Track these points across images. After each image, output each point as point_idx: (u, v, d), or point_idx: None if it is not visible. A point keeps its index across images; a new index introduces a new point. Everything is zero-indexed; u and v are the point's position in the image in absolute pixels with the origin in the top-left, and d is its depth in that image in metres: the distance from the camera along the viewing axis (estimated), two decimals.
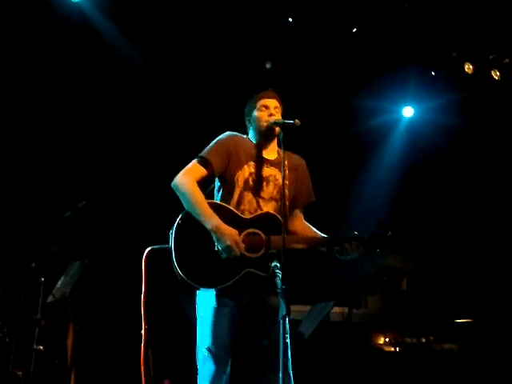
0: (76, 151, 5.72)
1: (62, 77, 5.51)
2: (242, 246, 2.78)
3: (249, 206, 2.92)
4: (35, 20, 5.15)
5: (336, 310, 5.56)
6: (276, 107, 3.03)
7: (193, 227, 2.81)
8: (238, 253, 2.75)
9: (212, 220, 2.78)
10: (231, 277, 2.78)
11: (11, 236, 5.21)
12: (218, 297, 2.84)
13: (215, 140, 3.01)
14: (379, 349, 5.80)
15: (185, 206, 2.85)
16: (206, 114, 5.86)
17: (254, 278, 2.81)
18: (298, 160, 3.14)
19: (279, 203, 2.97)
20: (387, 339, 5.85)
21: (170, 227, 2.85)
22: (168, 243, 2.83)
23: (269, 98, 3.06)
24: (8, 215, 5.31)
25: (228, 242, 2.74)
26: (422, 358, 5.52)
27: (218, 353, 2.81)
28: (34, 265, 4.54)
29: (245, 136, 3.10)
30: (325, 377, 5.00)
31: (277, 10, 5.60)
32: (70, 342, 4.86)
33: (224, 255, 2.76)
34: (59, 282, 4.93)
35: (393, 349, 5.77)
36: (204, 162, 2.92)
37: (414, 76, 6.33)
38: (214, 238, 2.77)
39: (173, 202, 2.95)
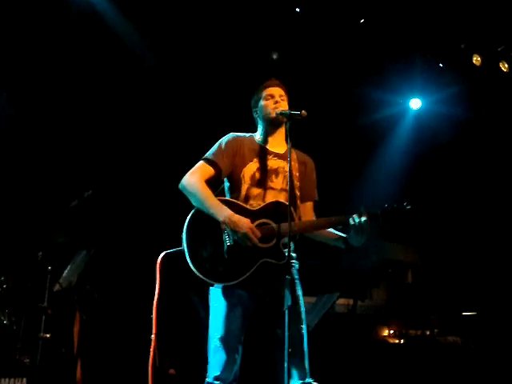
0: (82, 141, 5.73)
1: (69, 67, 5.50)
2: (258, 232, 2.78)
3: (257, 200, 2.93)
4: (42, 9, 5.13)
5: (341, 301, 5.58)
6: (281, 95, 3.05)
7: (203, 225, 2.81)
8: (255, 239, 2.76)
9: (223, 211, 2.79)
10: (247, 269, 2.78)
11: (19, 226, 5.23)
12: (232, 288, 2.84)
13: (219, 142, 3.03)
14: (383, 341, 5.82)
15: (194, 204, 2.86)
16: (214, 112, 5.84)
17: (269, 267, 2.81)
18: (307, 158, 3.17)
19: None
20: (391, 331, 5.87)
21: (174, 218, 2.86)
22: (178, 244, 2.84)
23: (273, 86, 3.08)
24: (16, 205, 5.33)
25: (243, 230, 2.74)
26: (426, 350, 5.53)
27: (229, 343, 2.82)
28: (40, 254, 4.58)
29: (248, 135, 3.11)
30: (329, 368, 5.01)
31: (284, 1, 5.57)
32: (76, 330, 4.89)
33: (242, 244, 2.76)
34: (66, 271, 4.96)
35: (397, 341, 5.79)
36: (210, 163, 2.95)
37: (421, 68, 6.29)
38: (228, 229, 2.76)
39: (176, 193, 2.95)
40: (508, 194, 6.52)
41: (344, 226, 2.88)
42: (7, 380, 4.03)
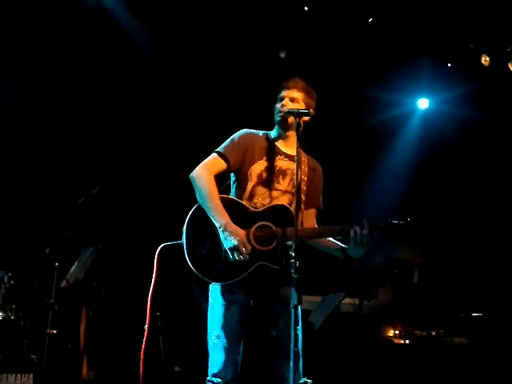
0: (90, 138, 5.75)
1: (75, 63, 5.52)
2: (249, 248, 2.75)
3: (262, 199, 2.93)
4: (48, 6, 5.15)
5: (347, 301, 5.56)
6: (293, 98, 3.01)
7: (204, 222, 2.81)
8: (244, 256, 2.72)
9: (222, 218, 2.78)
10: (243, 270, 2.78)
11: (26, 222, 5.26)
12: (229, 287, 2.86)
13: (232, 137, 3.03)
14: (389, 341, 5.79)
15: (198, 199, 2.86)
16: (218, 104, 5.86)
17: (266, 270, 2.81)
18: (317, 165, 3.16)
19: (294, 197, 2.94)
20: (397, 331, 5.84)
21: (181, 215, 2.87)
22: (180, 237, 2.84)
23: (288, 88, 3.05)
24: (23, 202, 5.36)
25: (235, 243, 2.71)
26: (432, 351, 5.52)
27: (227, 341, 2.83)
28: (48, 250, 4.60)
29: (261, 133, 3.10)
30: (334, 368, 5.01)
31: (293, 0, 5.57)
32: (82, 326, 4.91)
33: (230, 256, 2.73)
34: (73, 268, 4.99)
35: (402, 341, 5.76)
36: (222, 157, 2.94)
37: (429, 68, 6.27)
38: (221, 237, 2.75)
39: (184, 188, 2.96)
40: None
41: (344, 237, 2.85)
42: (14, 376, 4.05)
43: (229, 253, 2.74)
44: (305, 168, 3.03)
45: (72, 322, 4.89)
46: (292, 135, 3.02)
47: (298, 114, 2.84)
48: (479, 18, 5.70)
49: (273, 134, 3.10)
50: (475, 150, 6.56)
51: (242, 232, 2.76)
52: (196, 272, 2.76)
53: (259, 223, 2.83)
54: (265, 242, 2.80)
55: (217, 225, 2.77)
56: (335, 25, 5.76)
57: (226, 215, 2.79)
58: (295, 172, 2.89)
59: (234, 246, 2.72)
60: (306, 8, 5.62)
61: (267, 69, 5.86)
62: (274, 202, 2.93)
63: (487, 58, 6.04)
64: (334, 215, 3.12)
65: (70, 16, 5.21)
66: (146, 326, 2.96)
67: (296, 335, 2.56)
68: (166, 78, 5.79)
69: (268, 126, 3.17)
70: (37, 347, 4.45)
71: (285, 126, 3.03)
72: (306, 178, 3.03)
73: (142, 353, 2.97)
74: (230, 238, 2.72)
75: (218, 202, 2.83)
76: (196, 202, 2.88)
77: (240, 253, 2.72)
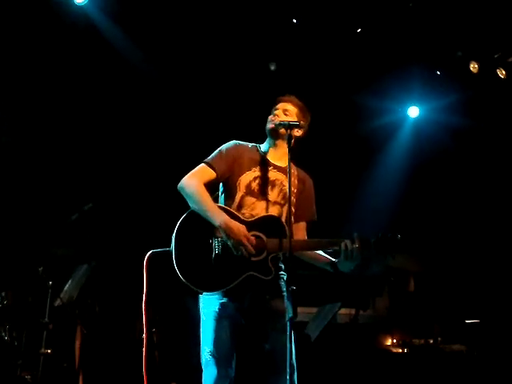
0: (81, 155, 5.74)
1: (67, 79, 5.52)
2: (253, 239, 2.74)
3: (250, 209, 2.92)
4: (38, 22, 5.15)
5: (343, 311, 5.55)
6: (286, 110, 3.04)
7: (194, 230, 2.79)
8: (250, 248, 2.72)
9: (220, 216, 2.76)
10: (232, 280, 2.76)
11: (19, 241, 5.23)
12: (219, 300, 2.84)
13: (220, 148, 3.03)
14: (387, 350, 5.78)
15: (191, 206, 2.84)
16: (208, 118, 5.87)
17: (255, 281, 2.79)
18: (307, 177, 3.16)
19: (283, 208, 2.96)
20: (395, 340, 5.83)
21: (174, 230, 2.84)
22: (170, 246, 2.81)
23: (283, 101, 3.08)
24: (15, 219, 5.33)
25: (238, 237, 2.71)
26: (430, 359, 5.50)
27: (219, 356, 2.81)
28: (41, 268, 4.57)
29: (251, 145, 3.11)
30: (332, 378, 4.98)
31: (281, 11, 5.60)
32: (77, 345, 4.87)
33: (235, 252, 2.72)
34: (67, 286, 4.95)
35: (400, 350, 5.75)
36: (209, 167, 2.95)
37: (419, 76, 6.30)
38: (223, 235, 2.73)
39: (178, 204, 2.94)
40: (508, 199, 6.51)
41: (335, 251, 2.84)
42: None
43: (233, 249, 2.73)
44: (294, 180, 3.03)
45: (67, 341, 4.85)
46: (283, 147, 3.01)
47: (288, 126, 2.86)
48: (467, 26, 5.74)
49: (263, 146, 3.12)
50: (466, 157, 6.59)
51: (242, 226, 2.75)
52: (184, 281, 2.73)
53: (250, 233, 2.79)
54: (255, 252, 2.77)
55: (216, 224, 2.74)
56: (324, 35, 5.78)
57: (224, 213, 2.78)
58: (284, 183, 2.93)
59: (238, 240, 2.71)
60: (294, 20, 5.64)
61: (257, 81, 5.88)
62: (263, 213, 2.93)
63: (476, 65, 6.07)
64: (324, 226, 3.12)
65: (58, 32, 5.21)
66: (144, 336, 2.91)
67: (291, 348, 2.54)
68: (155, 89, 5.79)
69: (259, 138, 3.18)
70: (31, 367, 4.41)
71: (276, 138, 3.04)
72: (295, 190, 3.03)
73: (144, 364, 2.90)
74: (232, 233, 2.71)
75: (213, 203, 2.83)
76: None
77: (245, 246, 2.71)
